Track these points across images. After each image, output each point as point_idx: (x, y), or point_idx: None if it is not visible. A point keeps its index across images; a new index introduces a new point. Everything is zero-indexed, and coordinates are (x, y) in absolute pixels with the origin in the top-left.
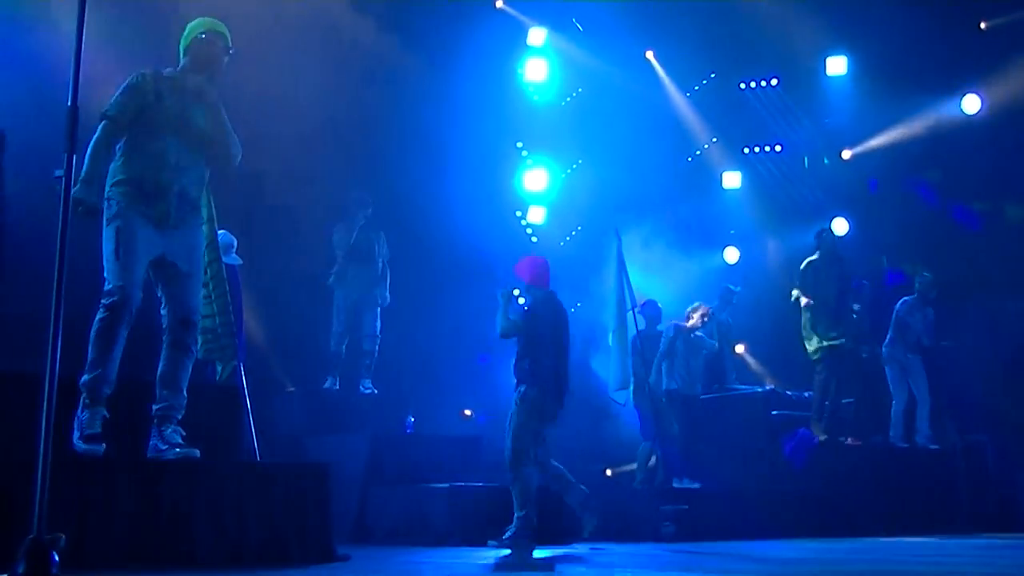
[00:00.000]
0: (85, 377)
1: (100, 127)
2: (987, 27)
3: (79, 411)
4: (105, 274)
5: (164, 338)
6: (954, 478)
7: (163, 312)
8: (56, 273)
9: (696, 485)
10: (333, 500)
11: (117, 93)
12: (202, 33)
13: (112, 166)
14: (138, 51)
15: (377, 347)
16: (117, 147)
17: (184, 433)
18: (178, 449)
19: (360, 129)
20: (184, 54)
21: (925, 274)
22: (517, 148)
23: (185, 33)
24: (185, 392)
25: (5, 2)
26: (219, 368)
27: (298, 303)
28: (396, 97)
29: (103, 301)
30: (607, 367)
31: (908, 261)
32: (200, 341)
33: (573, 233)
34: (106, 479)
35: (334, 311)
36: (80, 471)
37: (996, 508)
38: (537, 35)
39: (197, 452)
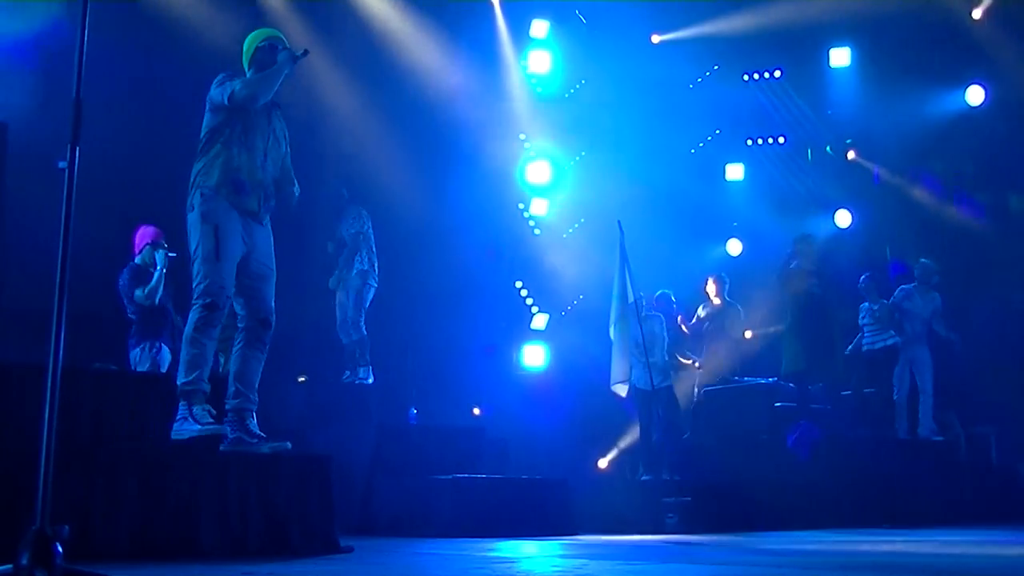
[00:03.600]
0: (183, 379)
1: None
2: (980, 17)
3: (186, 410)
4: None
5: (240, 335)
6: (958, 470)
7: (241, 310)
8: (59, 265)
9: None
10: (336, 491)
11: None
12: (263, 41)
13: (205, 161)
14: (143, 44)
15: (356, 335)
16: (217, 140)
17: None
18: (271, 444)
19: (363, 121)
20: (249, 67)
21: (923, 260)
22: (520, 140)
23: (245, 48)
24: (256, 390)
25: None
26: (222, 360)
27: (313, 295)
28: (399, 90)
29: (199, 301)
30: (608, 360)
31: (912, 252)
32: None
33: (576, 225)
34: (110, 470)
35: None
36: (84, 462)
37: (1000, 500)
38: (540, 27)
39: (288, 444)
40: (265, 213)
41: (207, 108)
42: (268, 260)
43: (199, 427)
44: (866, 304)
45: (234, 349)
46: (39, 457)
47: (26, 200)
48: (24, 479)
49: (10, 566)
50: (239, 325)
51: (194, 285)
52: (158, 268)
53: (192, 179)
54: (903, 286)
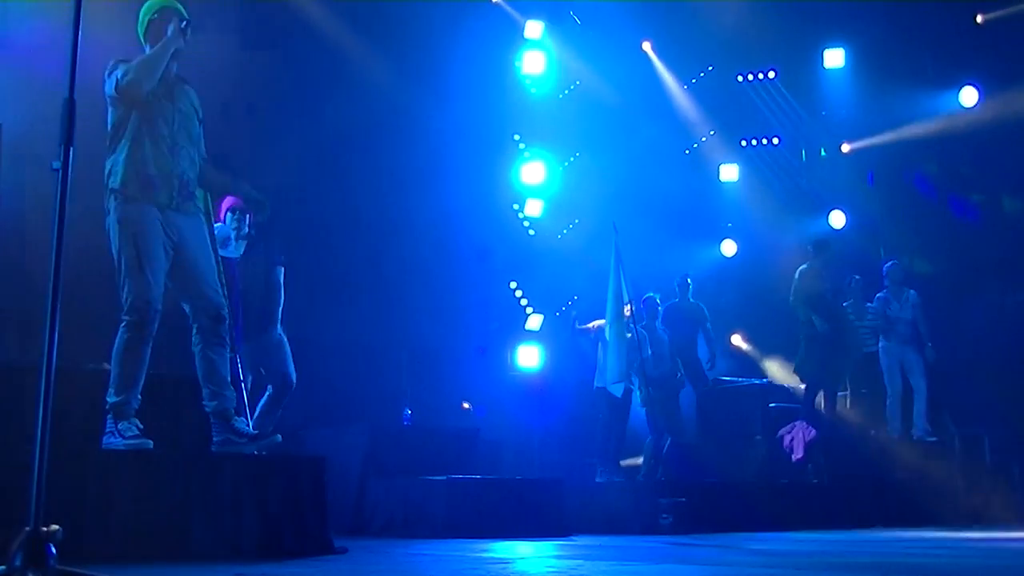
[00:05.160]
0: (113, 399)
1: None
2: (984, 20)
3: (112, 424)
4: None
5: (196, 337)
6: (951, 471)
7: (189, 311)
8: (53, 266)
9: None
10: (330, 492)
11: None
12: (155, 14)
13: (112, 160)
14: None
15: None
16: (120, 135)
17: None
18: (260, 440)
19: (358, 123)
20: (144, 40)
21: (890, 262)
22: (514, 141)
23: (140, 20)
24: (230, 385)
25: None
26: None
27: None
28: (393, 91)
29: (125, 318)
30: (605, 360)
31: (906, 253)
32: None
33: (571, 226)
34: (103, 471)
35: None
36: (77, 464)
37: (993, 501)
38: (534, 28)
39: (279, 437)
40: (185, 201)
41: (107, 102)
42: (203, 251)
43: (123, 441)
44: (848, 302)
45: (195, 351)
46: (32, 458)
47: (18, 199)
48: (16, 480)
49: (3, 567)
50: (191, 324)
51: (121, 300)
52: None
53: (104, 180)
54: (879, 294)
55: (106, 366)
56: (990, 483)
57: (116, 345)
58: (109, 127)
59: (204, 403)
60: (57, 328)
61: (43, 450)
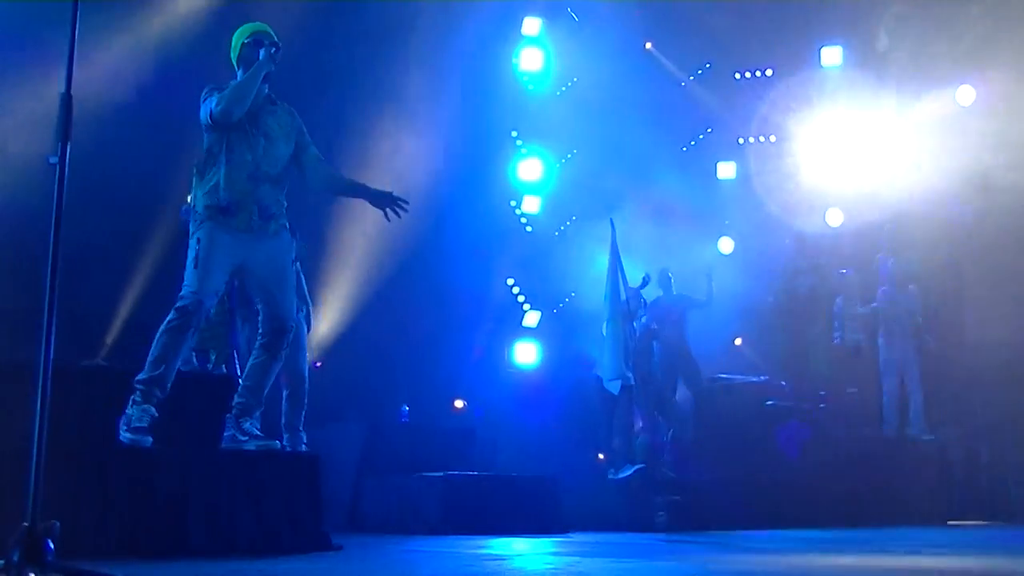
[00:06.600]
0: (143, 375)
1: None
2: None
3: (128, 407)
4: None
5: (259, 338)
6: (948, 469)
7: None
8: (50, 262)
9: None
10: (327, 489)
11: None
12: (248, 38)
13: (199, 184)
14: (133, 43)
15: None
16: (209, 162)
17: (259, 425)
18: (259, 441)
19: (353, 118)
20: (237, 65)
21: (889, 259)
22: (512, 137)
23: (232, 45)
24: (263, 394)
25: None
26: (212, 356)
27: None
28: (390, 87)
29: (176, 304)
30: (601, 357)
31: (903, 252)
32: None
33: (568, 223)
34: (100, 467)
35: None
36: (74, 459)
37: (989, 498)
38: (532, 24)
39: (277, 443)
40: (265, 224)
41: (201, 128)
42: (276, 271)
43: (124, 434)
44: (840, 298)
45: (253, 351)
46: (29, 455)
47: (17, 195)
48: (12, 477)
49: (1, 562)
50: (259, 330)
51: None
52: None
53: (191, 204)
54: (882, 288)
55: (101, 363)
56: (986, 482)
57: (160, 327)
58: (203, 152)
59: (235, 395)
60: (54, 326)
61: (40, 447)
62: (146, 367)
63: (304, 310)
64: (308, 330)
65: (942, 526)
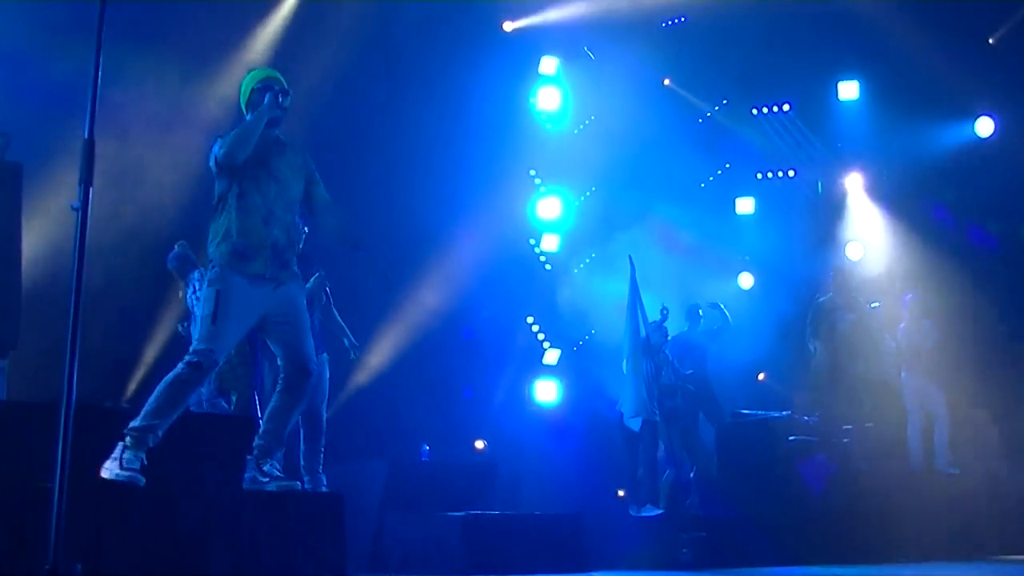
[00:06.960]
0: (138, 423)
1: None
2: (995, 41)
3: (120, 451)
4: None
5: (281, 381)
6: (975, 502)
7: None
8: (72, 304)
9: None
10: (348, 528)
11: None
12: (259, 83)
13: (213, 230)
14: (154, 87)
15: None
16: (221, 208)
17: (280, 466)
18: (280, 482)
19: (373, 158)
20: (246, 110)
21: (908, 295)
22: (530, 176)
23: (242, 90)
24: (284, 435)
25: (22, 33)
26: (233, 397)
27: None
28: (409, 126)
29: (188, 358)
30: (622, 394)
31: (922, 285)
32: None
33: (587, 260)
34: (121, 506)
35: None
36: (96, 498)
37: (1018, 533)
38: (549, 64)
39: (298, 484)
40: (279, 271)
41: (212, 175)
42: (293, 317)
43: (119, 471)
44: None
45: (275, 390)
46: (51, 496)
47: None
48: (34, 516)
49: None
50: (280, 375)
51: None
52: None
53: (206, 250)
54: (900, 325)
55: (124, 405)
56: (1014, 515)
57: (167, 377)
58: (214, 199)
59: (256, 437)
60: (76, 366)
61: (63, 488)
62: (143, 414)
63: (325, 355)
64: (354, 356)
65: (971, 561)
